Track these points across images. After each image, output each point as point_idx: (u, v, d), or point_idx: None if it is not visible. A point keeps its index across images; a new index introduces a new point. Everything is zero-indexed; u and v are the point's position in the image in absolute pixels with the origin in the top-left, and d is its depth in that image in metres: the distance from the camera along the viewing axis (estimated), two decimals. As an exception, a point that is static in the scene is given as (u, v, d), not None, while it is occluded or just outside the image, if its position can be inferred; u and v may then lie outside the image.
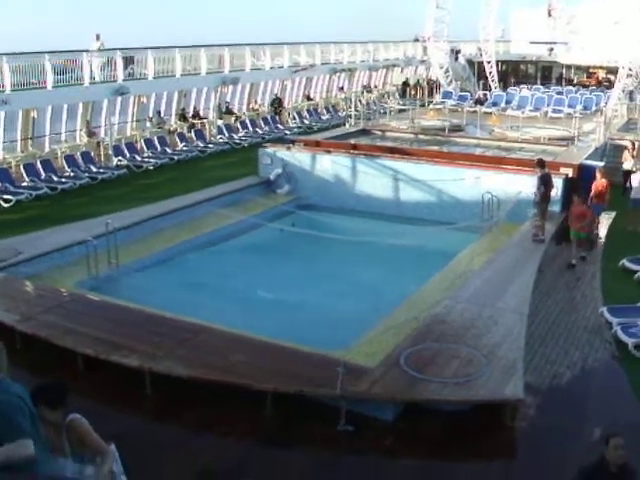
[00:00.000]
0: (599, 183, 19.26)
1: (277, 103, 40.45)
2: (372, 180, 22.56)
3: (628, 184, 22.87)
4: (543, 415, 10.52)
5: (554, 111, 37.54)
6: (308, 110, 42.90)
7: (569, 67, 56.51)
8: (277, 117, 39.30)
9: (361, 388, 10.24)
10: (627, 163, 23.69)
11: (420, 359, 11.14)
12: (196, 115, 35.75)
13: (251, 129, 36.44)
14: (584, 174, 20.25)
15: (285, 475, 9.22)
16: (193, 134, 33.31)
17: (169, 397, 10.84)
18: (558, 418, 10.44)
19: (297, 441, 9.89)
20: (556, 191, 19.45)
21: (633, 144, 24.44)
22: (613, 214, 20.85)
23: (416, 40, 55.58)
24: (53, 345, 11.84)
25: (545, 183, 18.03)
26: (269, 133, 36.10)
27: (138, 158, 28.84)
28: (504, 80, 52.06)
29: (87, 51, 29.20)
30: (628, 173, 23.50)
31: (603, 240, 19.07)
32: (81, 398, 10.91)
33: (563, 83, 53.30)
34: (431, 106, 38.89)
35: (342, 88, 47.47)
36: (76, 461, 6.63)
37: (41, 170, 24.96)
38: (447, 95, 43.50)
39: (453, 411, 10.39)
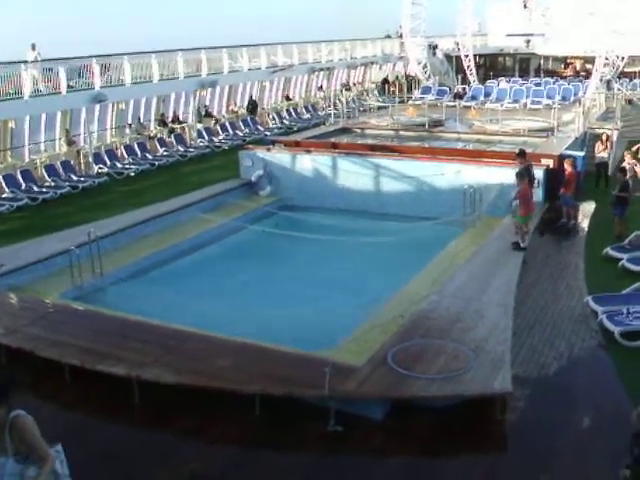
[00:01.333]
0: (567, 173, 19.46)
1: (252, 105, 40.16)
2: (354, 178, 22.57)
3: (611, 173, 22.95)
4: (532, 407, 10.53)
5: (533, 102, 37.70)
6: (288, 110, 42.82)
7: (547, 58, 56.78)
8: (248, 121, 38.90)
9: (349, 387, 10.24)
10: (601, 154, 23.66)
11: (407, 356, 11.14)
12: (175, 120, 35.61)
13: (231, 132, 36.32)
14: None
15: (276, 477, 9.19)
16: (173, 139, 33.14)
17: (157, 405, 10.77)
18: (547, 409, 10.46)
19: (287, 443, 9.85)
20: (538, 182, 19.57)
21: (607, 135, 24.51)
22: (593, 204, 20.94)
23: (387, 37, 55.74)
24: (39, 357, 11.76)
25: (527, 174, 18.09)
26: (249, 135, 36.00)
27: (119, 165, 28.69)
28: (482, 73, 52.23)
29: (63, 59, 29.01)
30: (602, 164, 23.51)
31: (585, 229, 19.13)
32: (69, 409, 10.97)
33: (541, 74, 53.54)
34: (410, 102, 38.92)
35: (321, 87, 47.44)
36: (18, 461, 6.46)
37: (21, 181, 24.78)
38: (426, 90, 43.67)
39: (442, 407, 10.38)
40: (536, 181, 19.19)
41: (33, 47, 29.17)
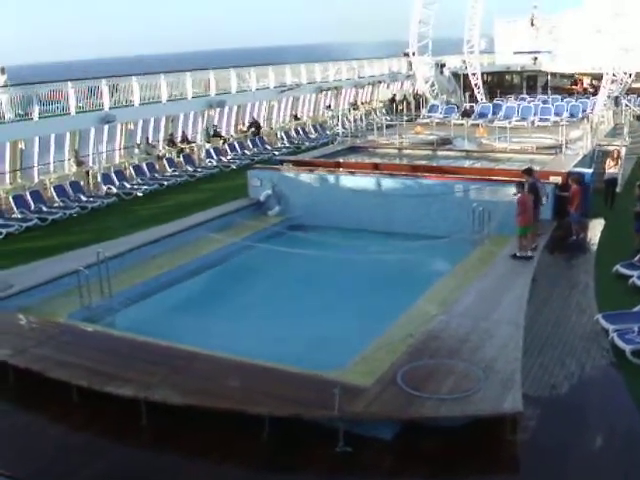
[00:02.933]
0: (572, 190, 19.45)
1: (255, 127, 39.97)
2: (362, 197, 22.53)
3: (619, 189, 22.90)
4: (543, 427, 10.42)
5: (541, 120, 37.75)
6: (296, 130, 42.94)
7: (554, 75, 56.83)
8: (257, 141, 38.59)
9: (358, 408, 10.16)
10: (612, 170, 23.58)
11: (417, 376, 11.06)
12: (184, 140, 35.76)
13: (239, 151, 36.40)
14: (574, 181, 20.26)
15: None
16: (182, 159, 33.29)
17: (165, 426, 10.73)
18: (559, 429, 10.34)
19: (296, 464, 9.78)
20: (546, 199, 19.54)
21: (618, 152, 24.46)
22: (602, 221, 20.85)
23: (406, 54, 55.92)
24: (47, 378, 11.74)
25: (532, 190, 18.07)
26: (258, 154, 36.09)
27: (127, 185, 28.76)
28: (490, 91, 52.32)
29: (72, 80, 29.23)
30: (611, 181, 23.41)
31: (595, 247, 19.05)
32: (76, 430, 10.92)
33: (549, 91, 53.60)
34: (418, 120, 39.00)
35: (329, 106, 47.56)
36: None
37: (30, 201, 24.86)
38: (434, 109, 43.79)
39: (452, 427, 10.29)
40: (544, 198, 19.17)
41: (2, 71, 28.67)
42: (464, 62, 51.07)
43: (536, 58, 55.71)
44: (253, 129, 39.88)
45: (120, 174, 29.61)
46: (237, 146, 36.88)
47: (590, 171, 22.20)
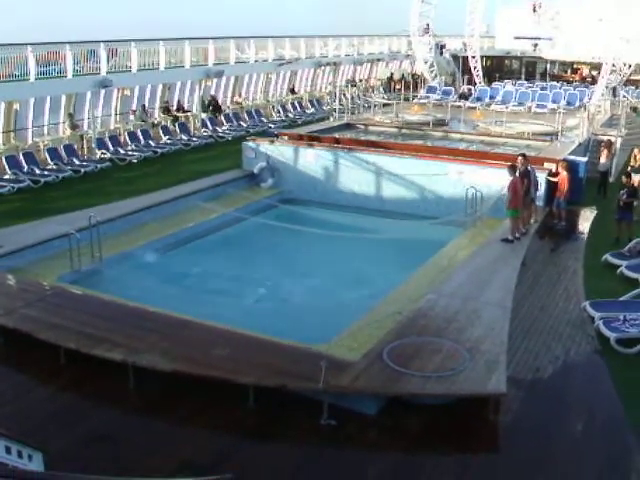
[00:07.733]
0: (560, 177, 19.54)
1: (213, 105, 37.21)
2: (356, 174, 22.57)
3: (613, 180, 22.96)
4: (526, 409, 10.55)
5: (538, 106, 37.74)
6: (292, 104, 42.82)
7: (553, 63, 56.73)
8: (215, 120, 35.98)
9: (344, 382, 10.25)
10: (606, 161, 23.64)
11: (403, 353, 11.15)
12: (180, 108, 35.57)
13: (235, 122, 36.29)
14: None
15: (268, 468, 9.18)
16: (177, 127, 33.15)
17: (151, 391, 10.81)
18: (540, 412, 10.47)
19: (280, 434, 9.87)
20: (539, 186, 19.60)
21: (610, 142, 24.52)
22: (594, 210, 20.93)
23: (407, 36, 55.60)
24: (35, 339, 11.77)
25: (525, 177, 18.14)
26: (253, 126, 36.00)
27: (121, 151, 28.64)
28: (488, 75, 52.20)
29: (70, 43, 28.96)
30: (605, 171, 23.49)
31: (586, 235, 19.14)
32: (63, 392, 10.98)
33: (547, 78, 53.52)
34: (415, 100, 38.93)
35: (330, 83, 47.29)
36: None
37: (23, 163, 24.75)
38: (431, 90, 43.69)
39: (436, 405, 10.41)
40: (532, 190, 19.20)
41: None
42: (464, 44, 50.88)
43: (536, 44, 55.54)
44: (211, 108, 37.01)
45: (114, 139, 29.49)
46: (233, 117, 36.76)
47: (584, 160, 22.24)
